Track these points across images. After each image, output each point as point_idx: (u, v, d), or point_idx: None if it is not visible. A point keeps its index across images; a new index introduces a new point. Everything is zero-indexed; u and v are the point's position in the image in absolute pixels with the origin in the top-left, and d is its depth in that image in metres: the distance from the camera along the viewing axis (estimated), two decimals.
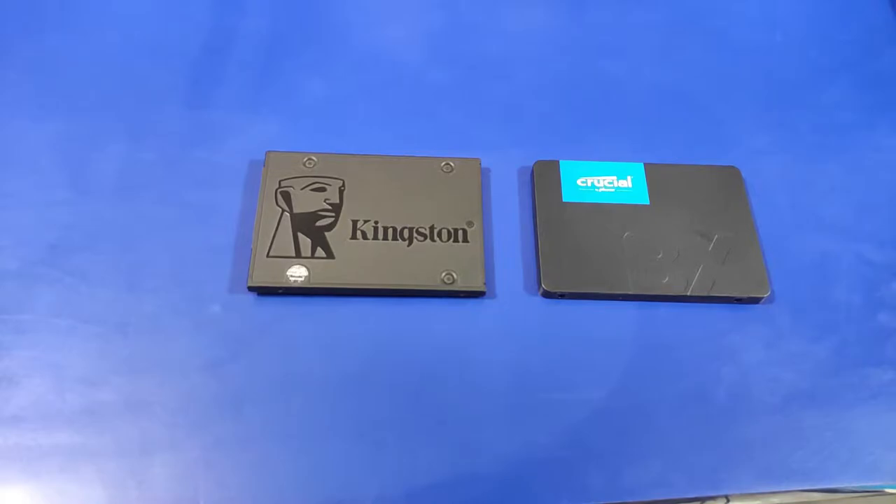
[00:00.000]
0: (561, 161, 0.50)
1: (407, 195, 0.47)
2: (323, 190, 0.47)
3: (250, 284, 0.43)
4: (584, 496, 0.40)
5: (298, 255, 0.44)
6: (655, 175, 0.49)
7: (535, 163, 0.50)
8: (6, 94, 0.52)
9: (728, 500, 0.40)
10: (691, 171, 0.50)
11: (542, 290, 0.45)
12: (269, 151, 0.48)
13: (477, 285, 0.44)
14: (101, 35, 0.55)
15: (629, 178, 0.49)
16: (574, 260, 0.46)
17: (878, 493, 0.41)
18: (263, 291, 0.44)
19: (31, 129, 0.50)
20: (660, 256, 0.46)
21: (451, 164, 0.49)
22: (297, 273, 0.44)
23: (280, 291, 0.44)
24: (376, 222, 0.46)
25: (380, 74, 0.55)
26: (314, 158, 0.48)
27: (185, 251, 0.46)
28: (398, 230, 0.46)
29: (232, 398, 0.41)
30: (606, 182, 0.49)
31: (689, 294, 0.45)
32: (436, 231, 0.46)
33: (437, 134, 0.52)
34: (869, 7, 0.62)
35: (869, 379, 0.44)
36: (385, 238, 0.45)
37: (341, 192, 0.47)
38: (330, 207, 0.46)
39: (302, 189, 0.47)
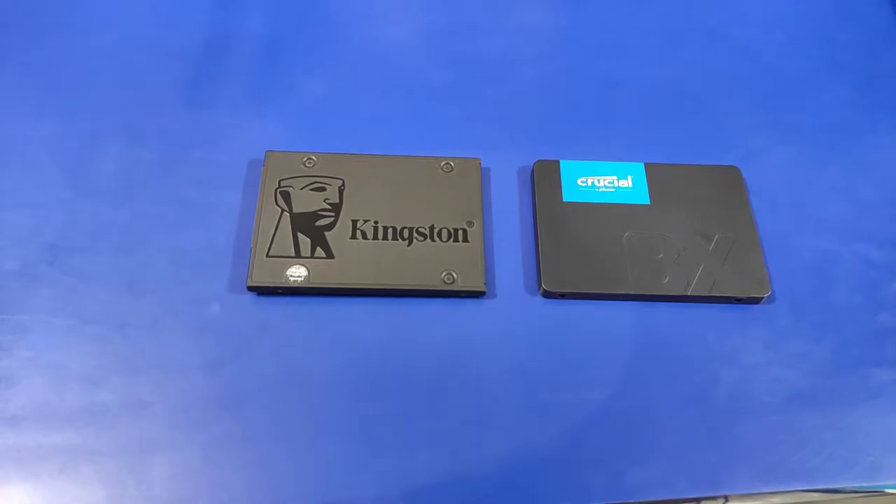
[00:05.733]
0: (561, 161, 0.49)
1: (407, 195, 0.47)
2: (323, 190, 0.47)
3: (250, 284, 0.43)
4: (584, 496, 0.40)
5: (298, 254, 0.44)
6: (656, 175, 0.49)
7: (536, 163, 0.50)
8: (6, 93, 0.52)
9: (728, 500, 0.40)
10: (692, 171, 0.50)
11: (542, 290, 0.45)
12: (268, 151, 0.48)
13: (477, 285, 0.44)
14: (101, 35, 0.55)
15: (629, 177, 0.49)
16: (574, 260, 0.46)
17: (878, 493, 0.41)
18: (263, 291, 0.44)
19: (30, 129, 0.50)
20: (660, 256, 0.46)
21: (451, 164, 0.49)
22: (297, 273, 0.44)
23: (280, 291, 0.44)
24: (376, 222, 0.46)
25: (380, 74, 0.55)
26: (314, 158, 0.48)
27: (185, 251, 0.46)
28: (398, 230, 0.46)
29: (232, 398, 0.41)
30: (607, 182, 0.49)
31: (689, 294, 0.45)
32: (436, 231, 0.46)
33: (437, 134, 0.52)
34: (869, 7, 0.62)
35: (869, 379, 0.44)
36: (385, 238, 0.45)
37: (341, 191, 0.47)
38: (330, 207, 0.46)
39: (301, 189, 0.47)
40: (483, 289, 0.44)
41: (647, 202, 0.48)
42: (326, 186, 0.47)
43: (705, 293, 0.45)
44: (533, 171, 0.49)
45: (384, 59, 0.56)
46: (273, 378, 0.42)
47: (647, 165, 0.50)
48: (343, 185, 0.47)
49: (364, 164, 0.48)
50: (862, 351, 0.45)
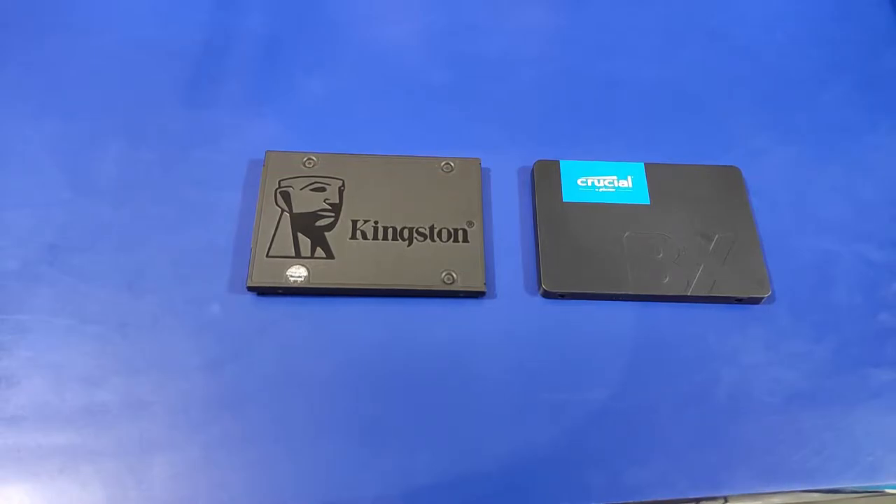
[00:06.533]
0: (561, 161, 0.49)
1: (407, 195, 0.47)
2: (323, 190, 0.47)
3: (250, 284, 0.43)
4: (584, 496, 0.40)
5: (298, 255, 0.44)
6: (656, 175, 0.49)
7: (536, 163, 0.50)
8: (6, 93, 0.51)
9: (728, 501, 0.40)
10: (692, 171, 0.50)
11: (542, 290, 0.45)
12: (268, 151, 0.48)
13: (477, 285, 0.44)
14: (101, 35, 0.55)
15: (629, 177, 0.49)
16: (574, 260, 0.46)
17: (878, 493, 0.41)
18: (263, 291, 0.44)
19: (30, 129, 0.50)
20: (660, 256, 0.46)
21: (451, 164, 0.49)
22: (297, 273, 0.44)
23: (280, 291, 0.44)
24: (376, 222, 0.46)
25: (380, 74, 0.55)
26: (314, 158, 0.48)
27: (185, 251, 0.46)
28: (398, 230, 0.46)
29: (231, 398, 0.41)
30: (607, 182, 0.49)
31: (689, 294, 0.45)
32: (436, 231, 0.46)
33: (437, 134, 0.52)
34: (869, 7, 0.62)
35: (869, 379, 0.44)
36: (385, 238, 0.45)
37: (341, 191, 0.47)
38: (330, 207, 0.46)
39: (302, 189, 0.47)
40: (483, 289, 0.44)
41: (647, 202, 0.48)
42: (326, 186, 0.47)
43: (705, 293, 0.45)
44: (533, 171, 0.49)
45: (384, 59, 0.56)
46: (273, 378, 0.42)
47: (647, 165, 0.50)
48: (343, 185, 0.47)
49: (364, 164, 0.48)
50: (862, 351, 0.45)
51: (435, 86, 0.55)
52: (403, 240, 0.45)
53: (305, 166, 0.48)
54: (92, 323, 0.43)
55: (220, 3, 0.58)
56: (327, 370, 0.42)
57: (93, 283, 0.44)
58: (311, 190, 0.47)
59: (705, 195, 0.49)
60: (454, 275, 0.44)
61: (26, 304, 0.43)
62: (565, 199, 0.48)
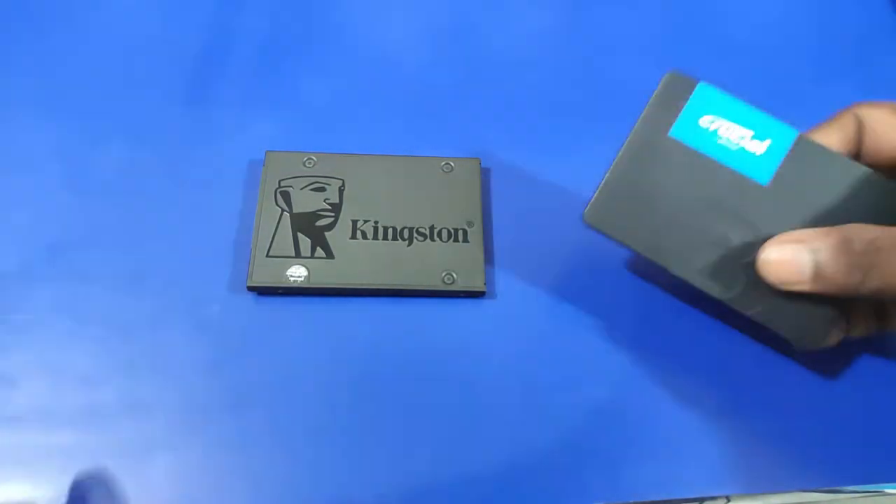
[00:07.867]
0: (701, 83, 0.38)
1: (407, 195, 0.47)
2: (323, 190, 0.47)
3: (250, 284, 0.43)
4: (584, 496, 0.40)
5: (298, 254, 0.44)
6: (802, 156, 0.37)
7: (669, 73, 0.39)
8: (6, 93, 0.51)
9: (728, 500, 0.40)
10: (845, 161, 0.38)
11: (583, 218, 0.38)
12: (268, 151, 0.48)
13: (477, 285, 0.44)
14: (101, 35, 0.55)
15: (767, 142, 0.37)
16: (638, 206, 0.37)
17: (878, 493, 0.41)
18: (263, 291, 0.44)
19: (30, 128, 0.50)
20: (739, 254, 0.37)
21: (451, 163, 0.49)
22: (297, 273, 0.44)
23: (280, 291, 0.44)
24: (376, 222, 0.46)
25: (380, 74, 0.55)
26: (314, 158, 0.48)
27: (185, 251, 0.46)
28: (398, 230, 0.46)
29: (231, 398, 0.41)
30: (737, 135, 0.38)
31: (749, 314, 0.37)
32: (436, 231, 0.46)
33: (437, 134, 0.52)
34: (869, 7, 0.62)
35: (868, 378, 0.44)
36: (385, 238, 0.45)
37: (341, 191, 0.47)
38: (330, 207, 0.46)
39: (301, 189, 0.47)
40: (483, 289, 0.44)
41: (765, 183, 0.37)
42: (326, 186, 0.47)
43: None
44: (662, 82, 0.39)
45: (384, 58, 0.56)
46: (273, 378, 0.42)
47: (800, 138, 0.38)
48: (343, 185, 0.47)
49: (364, 164, 0.48)
50: (861, 350, 0.45)
51: (435, 86, 0.54)
52: (403, 240, 0.45)
53: (305, 166, 0.48)
54: (91, 323, 0.43)
55: (219, 3, 0.57)
56: (327, 370, 0.42)
57: (92, 284, 0.44)
58: (311, 190, 0.47)
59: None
60: (454, 275, 0.44)
61: (26, 305, 0.43)
62: (672, 133, 0.38)
